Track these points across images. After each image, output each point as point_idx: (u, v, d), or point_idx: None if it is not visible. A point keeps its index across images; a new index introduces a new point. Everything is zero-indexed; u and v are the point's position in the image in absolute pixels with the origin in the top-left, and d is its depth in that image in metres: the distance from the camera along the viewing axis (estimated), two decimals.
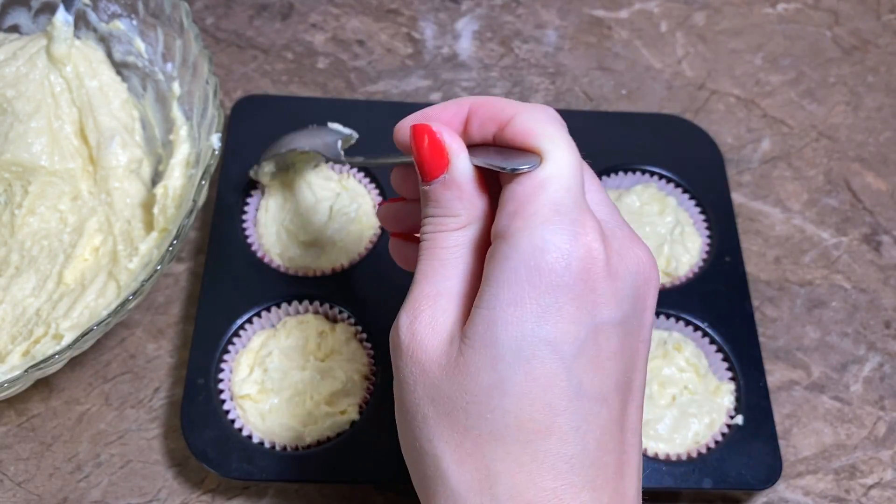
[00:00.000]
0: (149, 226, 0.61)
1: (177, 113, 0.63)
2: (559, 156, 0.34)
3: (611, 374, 0.33)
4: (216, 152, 0.56)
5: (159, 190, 0.59)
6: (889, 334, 0.68)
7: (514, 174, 0.34)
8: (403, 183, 0.44)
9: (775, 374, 0.65)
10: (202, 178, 0.54)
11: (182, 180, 0.60)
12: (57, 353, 0.50)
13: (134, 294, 0.51)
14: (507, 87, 0.80)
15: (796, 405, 0.64)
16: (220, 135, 0.56)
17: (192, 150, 0.61)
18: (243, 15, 0.83)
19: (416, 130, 0.36)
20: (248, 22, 0.83)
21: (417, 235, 0.39)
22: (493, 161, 0.35)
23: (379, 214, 0.47)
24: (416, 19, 0.84)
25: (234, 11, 0.83)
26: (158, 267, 0.52)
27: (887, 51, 0.86)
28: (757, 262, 0.70)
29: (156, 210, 0.59)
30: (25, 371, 0.50)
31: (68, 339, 0.54)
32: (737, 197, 0.74)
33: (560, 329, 0.32)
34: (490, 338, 0.32)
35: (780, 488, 0.60)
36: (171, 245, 0.52)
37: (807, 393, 0.64)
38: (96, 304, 0.58)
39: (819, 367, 0.66)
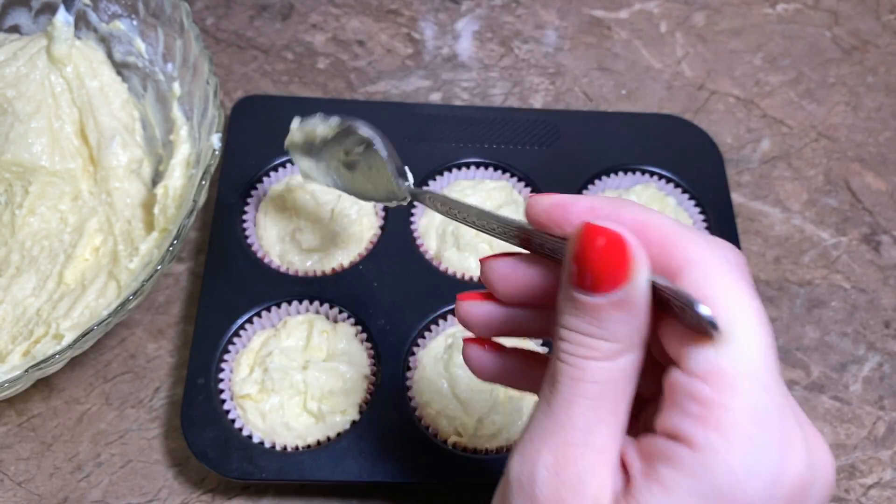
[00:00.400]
0: (149, 226, 0.61)
1: (177, 113, 0.63)
2: (751, 334, 0.26)
3: None
4: (216, 152, 0.56)
5: (160, 190, 0.60)
6: (888, 334, 0.68)
7: (700, 323, 0.26)
8: (512, 273, 0.34)
9: None
10: (202, 178, 0.54)
11: (182, 180, 0.60)
12: (57, 353, 0.50)
13: (134, 294, 0.51)
14: (507, 88, 0.80)
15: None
16: (220, 135, 0.56)
17: (193, 150, 0.61)
18: (243, 15, 0.83)
19: (592, 231, 0.27)
20: (248, 22, 0.83)
21: (499, 341, 0.34)
22: (677, 290, 0.27)
23: (464, 312, 0.36)
24: (416, 20, 0.85)
25: (234, 12, 0.83)
26: (159, 267, 0.52)
27: (887, 51, 0.86)
28: (756, 262, 0.70)
29: (156, 210, 0.59)
30: (26, 371, 0.50)
31: (69, 338, 0.55)
32: (736, 197, 0.74)
33: None
34: None
35: None
36: (171, 245, 0.52)
37: (806, 393, 0.65)
38: (97, 303, 0.58)
39: (818, 367, 0.66)
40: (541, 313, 0.35)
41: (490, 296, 0.35)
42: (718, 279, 0.27)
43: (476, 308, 0.35)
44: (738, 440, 0.25)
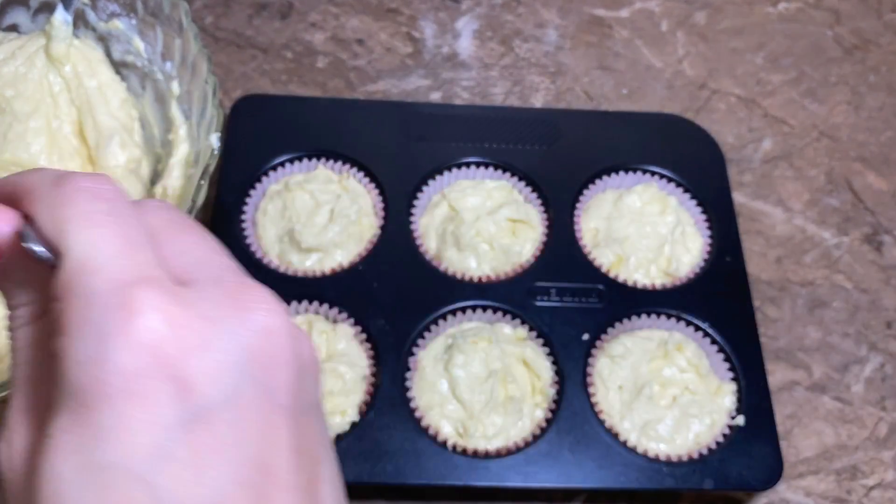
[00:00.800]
0: None
1: (176, 112, 0.62)
2: (85, 236, 0.27)
3: (224, 471, 0.26)
4: (215, 152, 0.55)
5: (158, 190, 0.59)
6: (890, 334, 0.68)
7: (40, 257, 0.28)
8: None
9: (776, 375, 0.65)
10: (201, 178, 0.54)
11: (181, 180, 0.59)
12: None
13: None
14: (507, 87, 0.80)
15: (797, 405, 0.64)
16: (219, 134, 0.56)
17: (192, 149, 0.61)
18: (242, 14, 0.83)
19: None
20: (247, 21, 0.82)
21: None
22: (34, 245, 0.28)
23: None
24: (415, 18, 0.84)
25: (233, 10, 0.83)
26: None
27: (889, 50, 0.85)
28: (758, 262, 0.70)
29: None
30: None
31: None
32: (738, 197, 0.74)
33: (127, 444, 0.25)
34: (53, 474, 0.25)
35: (782, 489, 0.60)
36: None
37: (808, 393, 0.64)
38: None
39: (820, 368, 0.66)
40: None
41: None
42: (55, 213, 0.28)
43: None
44: (78, 332, 0.26)
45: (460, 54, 0.82)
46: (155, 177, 0.64)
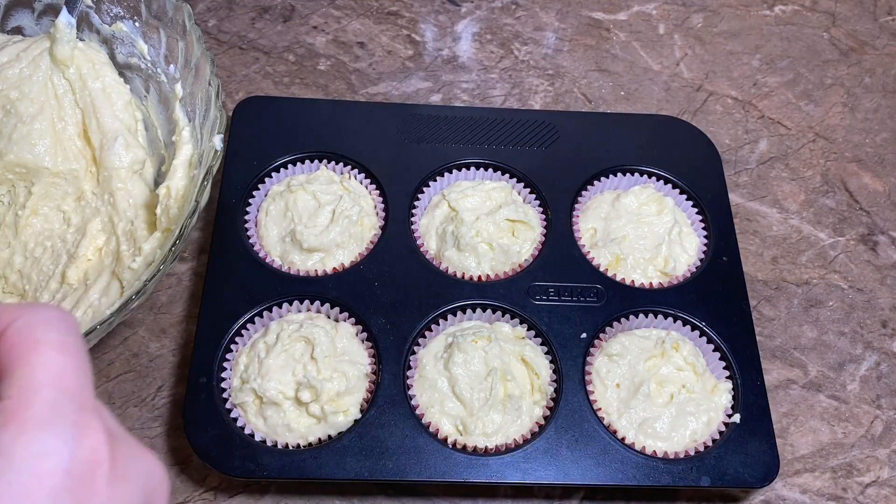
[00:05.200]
0: (152, 226, 0.61)
1: (179, 114, 0.63)
2: (47, 358, 0.31)
3: None
4: (219, 153, 0.56)
5: (162, 190, 0.60)
6: (886, 333, 0.68)
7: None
8: None
9: (773, 373, 0.65)
10: (205, 178, 0.55)
11: (185, 181, 0.60)
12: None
13: (137, 293, 0.51)
14: (506, 89, 0.81)
15: (793, 404, 0.64)
16: (222, 136, 0.57)
17: (195, 150, 0.61)
18: (245, 17, 0.84)
19: None
20: (249, 24, 0.83)
21: None
22: None
23: None
24: (416, 21, 0.85)
25: (235, 14, 0.84)
26: (161, 267, 0.52)
27: (884, 52, 0.86)
28: (754, 262, 0.71)
29: (158, 210, 0.60)
30: None
31: None
32: (734, 197, 0.74)
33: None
34: None
35: (778, 486, 0.61)
36: (174, 245, 0.53)
37: (804, 392, 0.65)
38: (99, 303, 0.58)
39: (816, 366, 0.66)
40: None
41: None
42: (19, 337, 0.32)
43: None
44: (35, 427, 0.30)
45: (460, 57, 0.83)
46: (158, 178, 0.65)
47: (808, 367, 0.66)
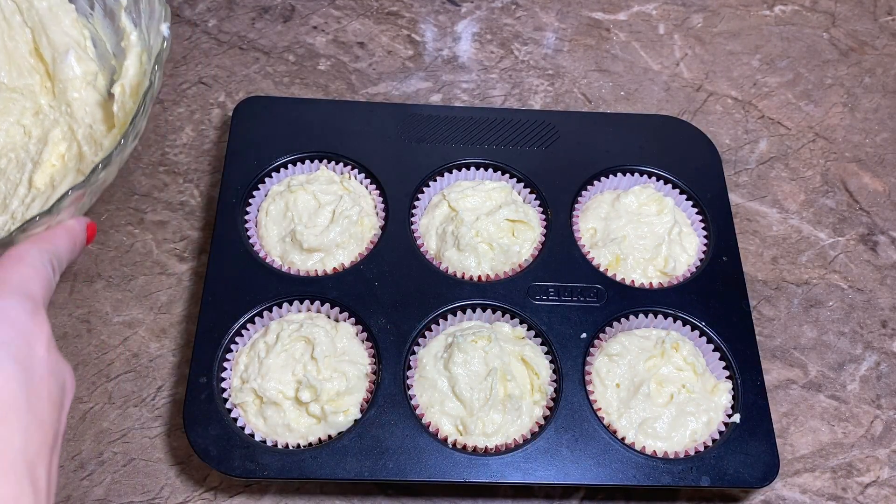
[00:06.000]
0: (111, 128, 0.64)
1: (126, 22, 0.65)
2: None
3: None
4: (167, 40, 0.57)
5: (117, 89, 0.62)
6: (885, 333, 0.68)
7: None
8: None
9: (772, 373, 0.65)
10: (155, 63, 0.56)
11: (138, 78, 0.62)
12: (38, 215, 0.52)
13: (103, 162, 0.53)
14: (506, 89, 0.81)
15: (793, 404, 0.64)
16: (168, 24, 0.58)
17: (144, 49, 0.63)
18: (245, 17, 0.84)
19: None
20: (250, 24, 0.83)
21: None
22: None
23: None
24: (416, 21, 0.85)
25: (236, 14, 0.84)
26: (122, 141, 0.54)
27: (884, 52, 0.86)
28: (754, 262, 0.71)
29: (116, 108, 0.62)
30: (10, 233, 0.52)
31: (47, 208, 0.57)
32: (734, 197, 0.74)
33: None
34: None
35: (778, 486, 0.61)
36: (131, 123, 0.54)
37: (804, 392, 0.65)
38: None
39: (816, 367, 0.66)
40: None
41: None
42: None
43: None
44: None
45: (460, 57, 0.83)
46: (111, 89, 0.67)
47: (808, 367, 0.66)
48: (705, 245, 0.67)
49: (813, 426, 0.63)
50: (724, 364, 0.62)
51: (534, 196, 0.69)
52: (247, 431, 0.56)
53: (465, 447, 0.57)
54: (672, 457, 0.57)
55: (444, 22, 0.85)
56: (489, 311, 0.62)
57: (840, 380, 0.66)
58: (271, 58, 0.81)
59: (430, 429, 0.57)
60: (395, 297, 0.62)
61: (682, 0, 0.89)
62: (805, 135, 0.79)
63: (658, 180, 0.70)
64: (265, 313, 0.61)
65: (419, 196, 0.68)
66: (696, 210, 0.69)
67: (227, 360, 0.59)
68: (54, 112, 0.66)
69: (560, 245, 0.65)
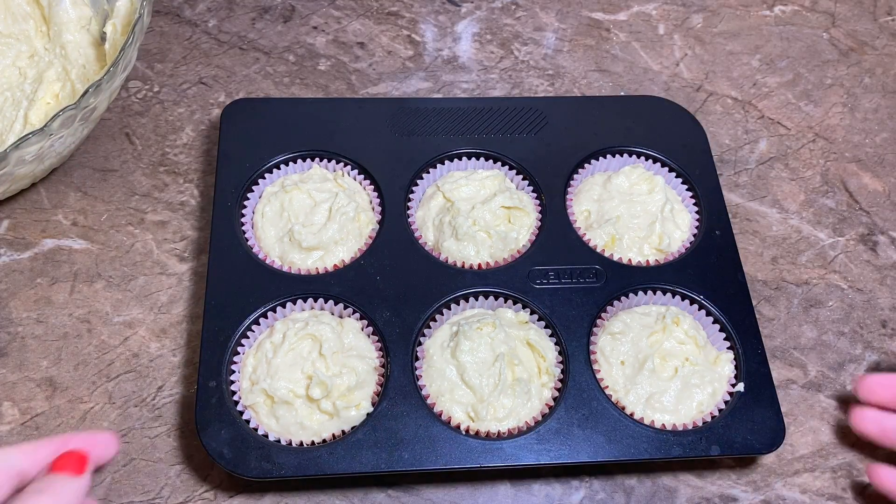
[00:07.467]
0: (104, 66, 0.67)
1: None
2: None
3: None
4: None
5: (108, 28, 0.65)
6: (885, 333, 0.68)
7: None
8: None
9: (773, 373, 0.65)
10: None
11: (129, 17, 0.64)
12: (31, 133, 0.54)
13: (93, 86, 0.54)
14: (506, 89, 0.81)
15: (793, 404, 0.64)
16: None
17: None
18: (245, 17, 0.84)
19: None
20: (250, 24, 0.83)
21: None
22: None
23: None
24: (416, 22, 0.85)
25: (236, 14, 0.84)
26: (112, 68, 0.55)
27: (884, 52, 0.86)
28: (754, 262, 0.71)
29: (107, 46, 0.64)
30: (4, 151, 0.54)
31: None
32: (734, 197, 0.74)
33: None
34: None
35: (778, 486, 0.61)
36: (120, 52, 0.56)
37: (804, 391, 0.65)
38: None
39: (816, 366, 0.66)
40: None
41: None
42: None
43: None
44: None
45: (460, 57, 0.83)
46: (104, 37, 0.70)
47: (808, 367, 0.66)
48: (697, 220, 0.68)
49: (813, 426, 0.64)
50: (724, 335, 0.63)
51: (527, 182, 0.69)
52: (260, 432, 0.56)
53: (477, 433, 0.57)
54: (681, 429, 0.58)
55: (444, 22, 0.85)
56: (491, 297, 0.63)
57: (840, 380, 0.66)
58: (271, 58, 0.81)
59: (443, 417, 0.57)
60: (397, 289, 0.62)
61: (682, 0, 0.89)
62: (805, 135, 0.79)
63: (647, 160, 0.71)
64: (269, 314, 0.61)
65: (413, 189, 0.68)
66: (686, 187, 0.70)
67: (235, 362, 0.59)
68: (49, 54, 0.70)
69: (556, 229, 0.66)
